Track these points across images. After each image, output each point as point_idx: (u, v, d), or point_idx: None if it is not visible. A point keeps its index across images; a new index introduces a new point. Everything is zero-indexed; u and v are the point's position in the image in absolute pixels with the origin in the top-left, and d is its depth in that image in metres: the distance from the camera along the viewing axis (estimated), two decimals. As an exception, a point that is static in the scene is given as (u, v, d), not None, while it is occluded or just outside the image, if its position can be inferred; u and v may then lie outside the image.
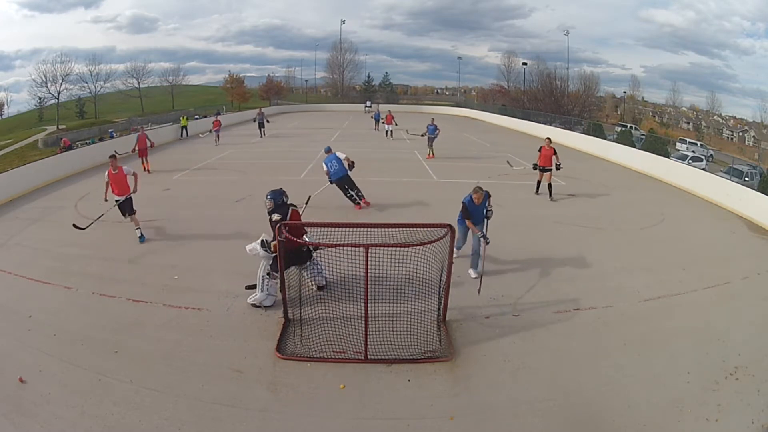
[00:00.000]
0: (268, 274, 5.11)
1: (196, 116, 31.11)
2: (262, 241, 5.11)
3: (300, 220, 5.40)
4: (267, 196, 5.24)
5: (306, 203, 7.29)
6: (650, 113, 41.49)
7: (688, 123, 38.54)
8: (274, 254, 4.92)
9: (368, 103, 37.24)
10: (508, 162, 13.21)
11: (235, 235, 7.56)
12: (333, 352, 4.35)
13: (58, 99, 37.18)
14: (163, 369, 4.13)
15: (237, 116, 29.99)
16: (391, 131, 19.79)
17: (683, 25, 37.87)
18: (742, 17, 34.30)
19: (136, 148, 13.06)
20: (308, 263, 5.31)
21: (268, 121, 21.63)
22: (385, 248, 4.27)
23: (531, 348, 4.55)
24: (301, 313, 4.64)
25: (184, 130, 21.24)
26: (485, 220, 5.94)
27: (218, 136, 18.84)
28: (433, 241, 4.29)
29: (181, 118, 22.97)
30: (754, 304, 5.71)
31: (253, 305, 5.21)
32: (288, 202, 5.31)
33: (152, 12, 45.58)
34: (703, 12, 36.65)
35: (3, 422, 3.48)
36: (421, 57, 53.80)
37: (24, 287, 5.77)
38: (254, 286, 5.31)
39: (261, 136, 20.58)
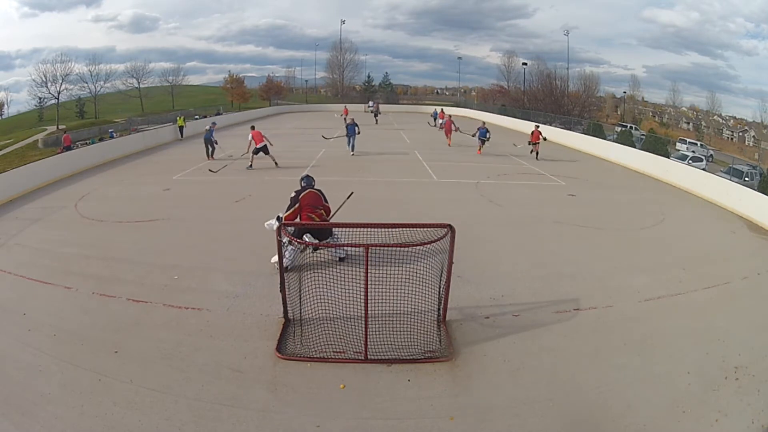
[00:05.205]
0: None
1: (196, 116, 30.98)
2: (278, 216, 6.06)
3: (319, 202, 6.21)
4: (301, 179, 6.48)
5: (348, 198, 7.14)
6: (650, 113, 41.50)
7: (688, 123, 38.56)
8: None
9: (370, 103, 37.48)
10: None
11: (235, 235, 7.57)
12: (333, 352, 4.34)
13: (58, 99, 37.14)
14: (163, 369, 4.13)
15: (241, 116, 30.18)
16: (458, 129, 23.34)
17: (687, 26, 37.94)
18: (746, 18, 34.36)
19: None
20: (329, 237, 6.17)
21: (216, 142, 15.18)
22: (385, 248, 4.27)
23: (531, 348, 4.55)
24: (301, 313, 4.64)
25: (180, 131, 20.87)
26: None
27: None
28: (433, 241, 4.29)
29: (178, 118, 22.26)
30: (754, 304, 5.72)
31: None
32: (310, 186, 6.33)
33: (153, 11, 45.64)
34: (707, 13, 36.71)
35: (3, 422, 3.47)
36: (423, 57, 53.85)
37: (24, 287, 5.76)
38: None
39: (208, 158, 14.77)
